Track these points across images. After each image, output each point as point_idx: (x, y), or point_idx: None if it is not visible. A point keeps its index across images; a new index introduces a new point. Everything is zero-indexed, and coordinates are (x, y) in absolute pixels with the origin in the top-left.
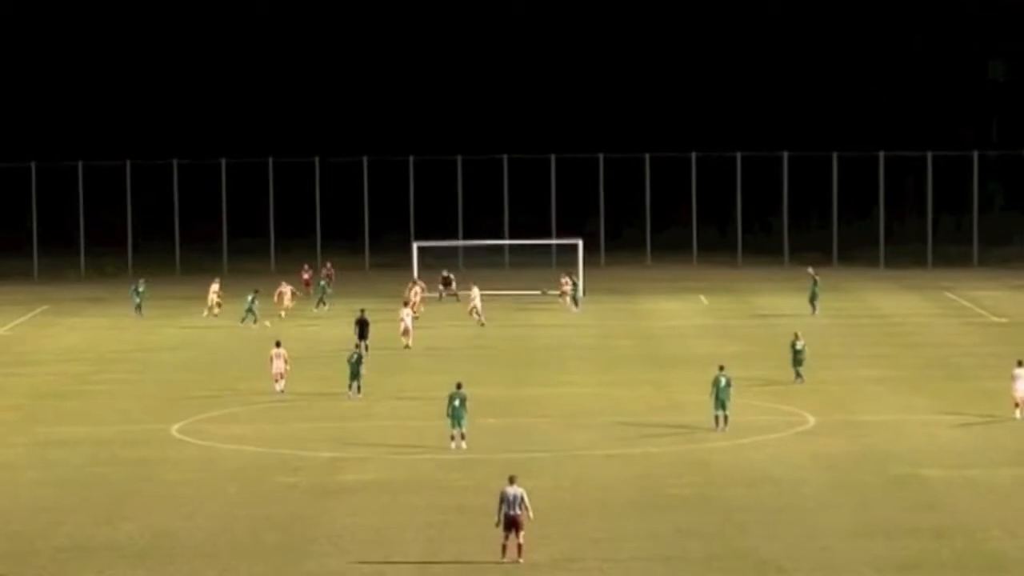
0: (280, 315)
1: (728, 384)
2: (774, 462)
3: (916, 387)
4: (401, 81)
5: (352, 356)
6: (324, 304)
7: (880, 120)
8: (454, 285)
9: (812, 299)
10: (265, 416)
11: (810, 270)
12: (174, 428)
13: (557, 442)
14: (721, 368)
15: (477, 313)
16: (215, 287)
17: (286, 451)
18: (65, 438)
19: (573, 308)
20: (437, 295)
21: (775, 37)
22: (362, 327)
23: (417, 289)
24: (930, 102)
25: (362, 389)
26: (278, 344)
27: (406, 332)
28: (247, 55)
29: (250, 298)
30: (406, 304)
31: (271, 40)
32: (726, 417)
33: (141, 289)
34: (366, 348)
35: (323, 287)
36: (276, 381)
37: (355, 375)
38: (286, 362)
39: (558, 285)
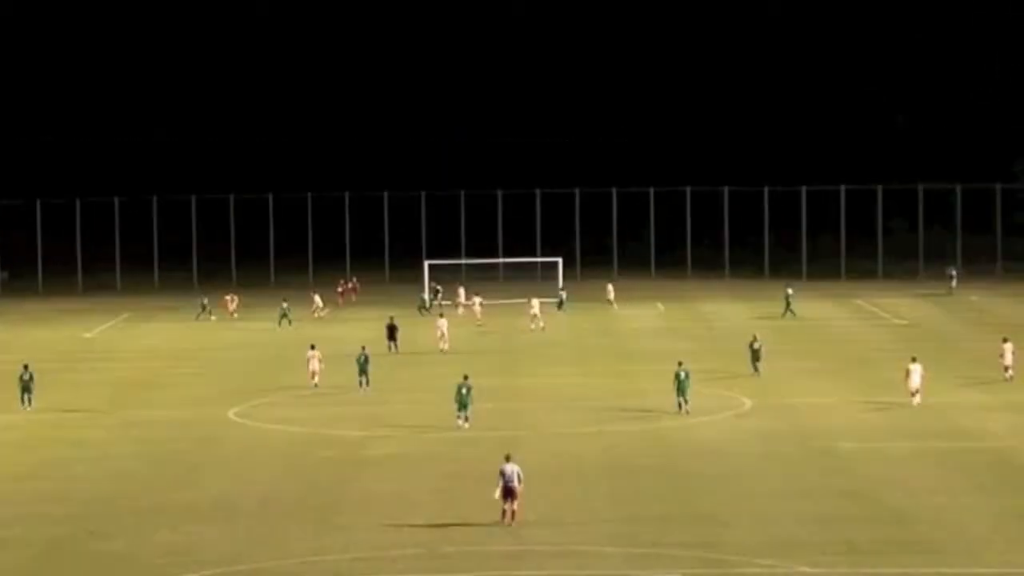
0: (316, 316)
1: (687, 376)
2: (718, 438)
3: (834, 376)
4: (415, 130)
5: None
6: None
7: (802, 159)
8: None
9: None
10: (304, 403)
11: (788, 289)
12: (232, 412)
13: (541, 422)
14: (680, 364)
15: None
16: (317, 296)
17: (323, 431)
18: (145, 420)
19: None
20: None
21: (710, 75)
22: (391, 331)
23: (476, 300)
24: (841, 144)
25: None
26: (312, 347)
27: (442, 337)
28: (279, 89)
29: (284, 305)
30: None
31: (300, 79)
32: (687, 402)
33: (286, 306)
34: (396, 349)
35: (284, 310)
36: (312, 377)
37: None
38: (320, 361)
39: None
